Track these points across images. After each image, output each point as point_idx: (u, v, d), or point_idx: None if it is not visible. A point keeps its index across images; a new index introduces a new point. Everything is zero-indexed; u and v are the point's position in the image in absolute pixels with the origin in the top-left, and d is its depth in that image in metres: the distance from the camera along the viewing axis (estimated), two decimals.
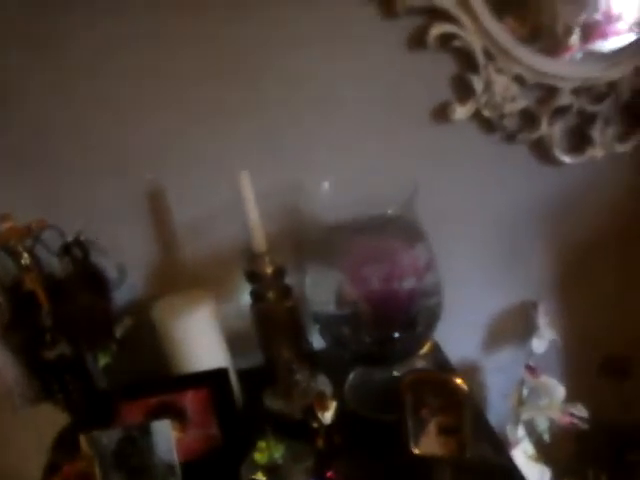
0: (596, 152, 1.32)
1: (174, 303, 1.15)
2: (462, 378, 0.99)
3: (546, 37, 1.24)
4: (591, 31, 1.24)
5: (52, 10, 1.05)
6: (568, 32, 1.23)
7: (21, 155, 1.13)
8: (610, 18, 1.24)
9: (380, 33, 1.17)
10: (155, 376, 1.16)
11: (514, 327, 1.51)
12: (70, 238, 1.06)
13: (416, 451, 1.02)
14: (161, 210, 1.20)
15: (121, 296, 1.16)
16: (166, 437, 1.00)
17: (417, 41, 1.18)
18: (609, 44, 1.26)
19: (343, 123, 1.22)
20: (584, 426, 1.40)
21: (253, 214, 1.05)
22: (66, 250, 1.06)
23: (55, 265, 1.06)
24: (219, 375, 1.09)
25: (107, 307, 1.11)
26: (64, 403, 1.07)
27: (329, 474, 1.00)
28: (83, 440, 0.98)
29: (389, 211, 1.06)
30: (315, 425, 1.04)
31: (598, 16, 1.24)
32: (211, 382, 1.08)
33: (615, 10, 1.24)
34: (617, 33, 1.26)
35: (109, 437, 0.99)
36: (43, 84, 1.09)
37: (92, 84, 1.11)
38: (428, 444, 1.02)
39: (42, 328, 1.02)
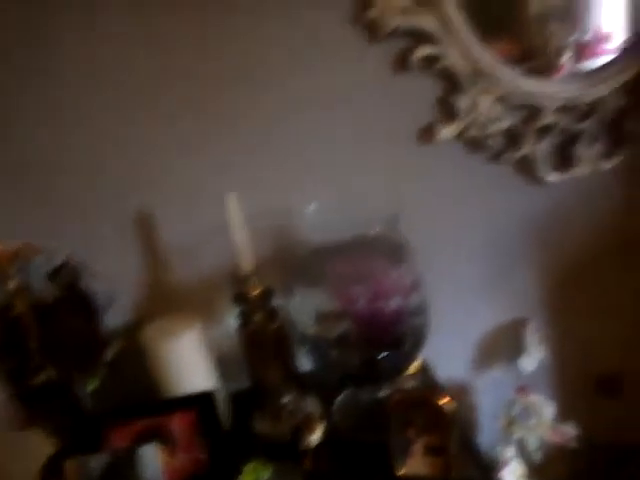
0: (581, 170, 1.34)
1: (162, 326, 1.15)
2: (448, 398, 0.99)
3: (539, 57, 1.27)
4: (582, 51, 1.27)
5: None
6: (560, 52, 1.26)
7: (10, 180, 1.13)
8: (600, 38, 1.27)
9: (365, 56, 1.19)
10: (143, 399, 1.16)
11: (504, 346, 1.51)
12: (59, 262, 1.06)
13: (401, 472, 1.02)
14: (149, 234, 1.21)
15: (110, 320, 1.16)
16: (153, 461, 1.00)
17: (402, 63, 1.19)
18: (595, 63, 1.28)
19: (329, 145, 1.23)
20: (574, 445, 1.39)
21: (240, 236, 1.05)
22: (55, 274, 1.06)
23: (44, 289, 1.06)
24: (206, 398, 1.09)
25: (96, 331, 1.11)
26: (52, 428, 1.06)
27: None
28: (68, 466, 0.97)
29: (374, 231, 1.07)
30: (303, 447, 1.04)
31: (588, 36, 1.26)
32: (198, 405, 1.08)
33: (605, 30, 1.27)
34: (607, 52, 1.28)
35: (96, 462, 0.98)
36: (34, 112, 1.10)
37: (80, 112, 1.12)
38: (414, 464, 1.02)
39: (30, 353, 1.02)
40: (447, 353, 1.36)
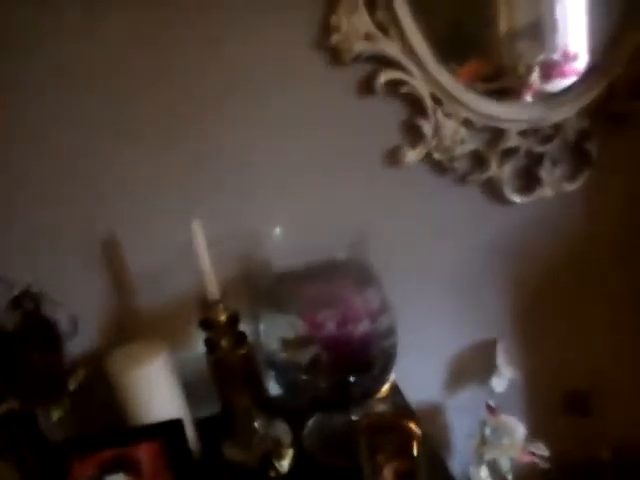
0: (545, 192, 1.36)
1: (128, 353, 1.14)
2: (415, 421, 0.98)
3: (508, 76, 1.29)
4: (551, 70, 1.29)
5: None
6: (529, 71, 1.28)
7: None
8: (568, 57, 1.30)
9: (330, 80, 1.20)
10: (110, 428, 1.14)
11: (474, 366, 1.52)
12: (19, 290, 1.05)
13: None
14: (114, 259, 1.20)
15: (74, 347, 1.14)
16: None
17: (366, 87, 1.21)
18: (562, 83, 1.31)
19: (294, 169, 1.24)
20: (545, 465, 1.40)
21: (205, 262, 1.05)
22: (16, 303, 1.04)
23: (4, 318, 1.05)
24: (173, 426, 1.07)
25: (59, 360, 1.08)
26: (16, 460, 1.04)
27: None
28: None
29: (340, 256, 1.07)
30: (272, 474, 1.03)
31: (557, 55, 1.30)
32: (165, 433, 1.07)
33: (572, 50, 1.30)
34: (574, 72, 1.31)
35: None
36: None
37: (42, 139, 1.11)
38: None
39: None
40: (418, 375, 1.36)
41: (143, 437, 1.07)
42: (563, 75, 1.31)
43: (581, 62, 1.31)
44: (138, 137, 1.15)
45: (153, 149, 1.16)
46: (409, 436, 0.97)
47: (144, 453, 1.06)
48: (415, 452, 0.97)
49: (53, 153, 1.12)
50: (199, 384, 1.19)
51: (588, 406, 1.58)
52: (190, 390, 1.20)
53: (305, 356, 1.09)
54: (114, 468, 1.03)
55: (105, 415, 1.12)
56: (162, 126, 1.15)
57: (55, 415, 1.08)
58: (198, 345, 1.15)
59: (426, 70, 1.19)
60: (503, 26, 1.27)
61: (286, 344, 1.09)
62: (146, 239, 1.19)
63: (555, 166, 1.35)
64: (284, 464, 1.04)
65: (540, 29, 1.30)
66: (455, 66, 1.23)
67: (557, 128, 1.31)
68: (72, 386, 1.10)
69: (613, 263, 1.51)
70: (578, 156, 1.37)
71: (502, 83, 1.28)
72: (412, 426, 0.97)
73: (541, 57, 1.29)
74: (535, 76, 1.29)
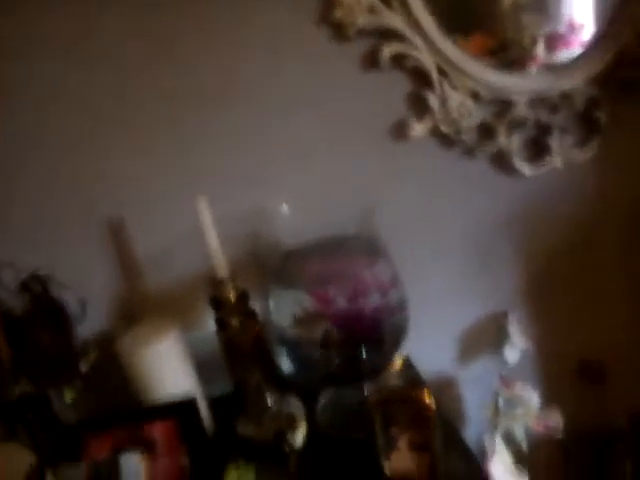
0: (555, 162, 1.34)
1: (138, 333, 1.14)
2: (429, 392, 0.98)
3: (513, 49, 1.27)
4: (556, 42, 1.28)
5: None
6: (534, 43, 1.26)
7: None
8: (573, 29, 1.28)
9: (334, 55, 1.19)
10: (123, 408, 1.14)
11: (487, 338, 1.51)
12: (27, 274, 1.05)
13: (387, 470, 1.01)
14: (122, 241, 1.20)
15: (85, 330, 1.15)
16: (135, 470, 0.99)
17: (371, 62, 1.20)
18: (567, 54, 1.29)
19: (300, 145, 1.23)
20: (559, 433, 1.40)
21: (213, 240, 1.04)
22: (24, 286, 1.04)
23: (13, 302, 1.05)
24: (186, 404, 1.08)
25: (70, 342, 1.09)
26: (29, 442, 1.05)
27: None
28: (50, 477, 0.96)
29: (349, 231, 1.07)
30: (287, 448, 1.04)
31: (562, 27, 1.28)
32: (179, 412, 1.07)
33: (578, 21, 1.28)
34: (580, 43, 1.29)
35: (77, 473, 0.98)
36: None
37: (46, 120, 1.11)
38: (399, 462, 1.01)
39: (2, 366, 1.01)
40: (430, 348, 1.36)
41: (157, 416, 1.08)
42: (568, 46, 1.29)
43: (587, 33, 1.29)
44: (142, 117, 1.14)
45: (158, 129, 1.16)
46: (423, 407, 0.98)
47: (158, 431, 1.07)
48: (429, 422, 0.97)
49: (57, 136, 1.12)
50: (211, 364, 1.19)
51: (602, 374, 1.57)
52: (202, 370, 1.20)
53: (316, 332, 1.08)
54: (129, 446, 1.04)
55: (118, 396, 1.12)
56: (167, 106, 1.15)
57: (68, 397, 1.10)
58: (208, 324, 1.16)
59: (431, 42, 1.18)
60: None
61: (297, 321, 1.09)
62: (153, 220, 1.20)
63: (564, 136, 1.33)
64: (298, 439, 1.04)
65: (545, 1, 1.27)
66: (460, 40, 1.21)
67: (565, 97, 1.29)
68: (84, 368, 1.11)
69: (625, 231, 1.49)
70: (587, 125, 1.35)
71: (507, 56, 1.26)
72: (425, 397, 0.97)
73: (546, 29, 1.27)
74: (540, 48, 1.27)
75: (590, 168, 1.40)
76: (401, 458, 1.02)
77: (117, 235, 1.19)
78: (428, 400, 0.97)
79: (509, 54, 1.27)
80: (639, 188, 1.46)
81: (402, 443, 1.01)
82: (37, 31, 1.06)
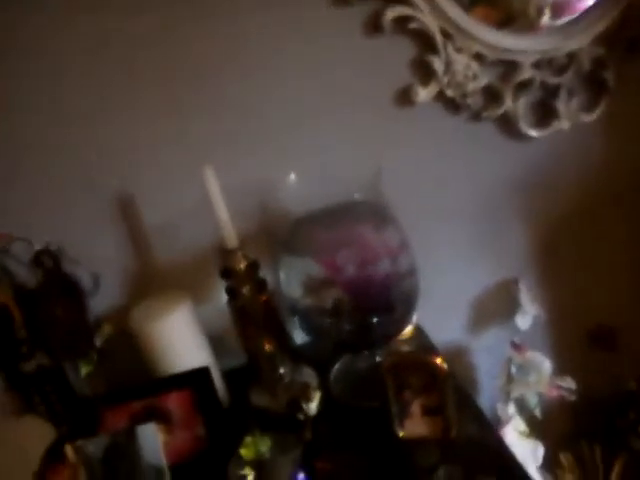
0: (562, 124, 1.33)
1: (152, 307, 1.15)
2: (442, 357, 0.99)
3: (519, 20, 1.25)
4: (561, 9, 1.26)
5: None
6: (540, 12, 1.25)
7: None
8: None
9: (336, 21, 1.17)
10: (138, 380, 1.15)
11: (497, 305, 1.52)
12: (39, 248, 1.05)
13: (401, 434, 1.02)
14: (131, 215, 1.20)
15: (98, 305, 1.16)
16: (153, 441, 1.00)
17: (373, 26, 1.18)
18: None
19: (305, 114, 1.22)
20: (572, 398, 1.40)
21: (221, 209, 1.04)
22: (37, 261, 1.05)
23: (26, 277, 1.06)
24: (201, 374, 1.08)
25: (83, 316, 1.10)
26: (47, 414, 1.06)
27: (321, 465, 1.00)
28: (69, 450, 0.97)
29: (356, 198, 1.06)
30: (301, 417, 1.04)
31: None
32: (193, 382, 1.08)
33: None
34: (586, 9, 1.26)
35: (95, 445, 0.98)
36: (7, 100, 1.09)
37: (55, 96, 1.10)
38: (413, 426, 1.02)
39: (18, 340, 1.02)
40: (441, 317, 1.36)
41: (172, 387, 1.09)
42: (575, 12, 1.27)
43: None
44: (151, 89, 1.14)
45: (166, 102, 1.15)
46: (435, 372, 0.98)
47: (174, 402, 1.08)
48: (442, 386, 0.97)
49: (68, 110, 1.11)
50: (224, 337, 1.21)
51: (613, 341, 1.57)
52: (215, 343, 1.21)
53: (327, 300, 1.09)
54: (145, 418, 1.05)
55: (133, 369, 1.13)
56: (174, 78, 1.14)
57: (84, 370, 1.11)
58: (220, 297, 1.16)
59: (435, 4, 1.16)
60: None
61: (307, 289, 1.09)
62: (161, 192, 1.19)
63: (571, 97, 1.32)
64: (312, 407, 1.05)
65: None
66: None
67: (572, 57, 1.28)
68: (99, 342, 1.12)
69: (634, 194, 1.48)
70: (594, 86, 1.34)
71: (511, 27, 1.24)
72: (438, 362, 0.97)
73: None
74: (546, 18, 1.25)
75: (597, 128, 1.39)
76: (415, 422, 1.02)
77: (126, 209, 1.19)
78: (441, 364, 0.97)
79: (515, 27, 1.25)
80: None
81: (415, 408, 1.02)
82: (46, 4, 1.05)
